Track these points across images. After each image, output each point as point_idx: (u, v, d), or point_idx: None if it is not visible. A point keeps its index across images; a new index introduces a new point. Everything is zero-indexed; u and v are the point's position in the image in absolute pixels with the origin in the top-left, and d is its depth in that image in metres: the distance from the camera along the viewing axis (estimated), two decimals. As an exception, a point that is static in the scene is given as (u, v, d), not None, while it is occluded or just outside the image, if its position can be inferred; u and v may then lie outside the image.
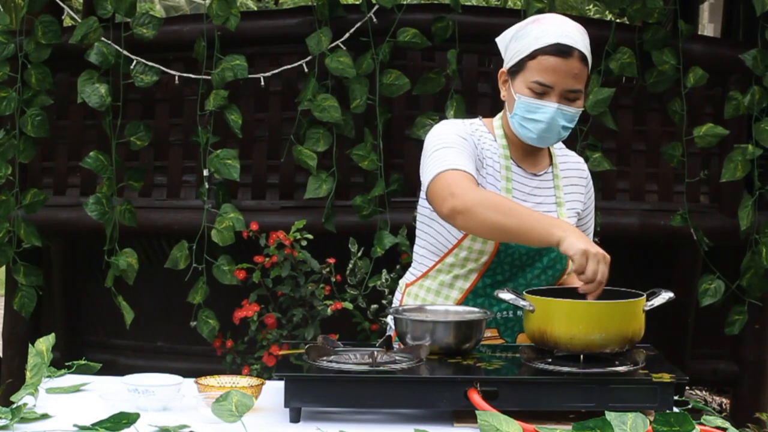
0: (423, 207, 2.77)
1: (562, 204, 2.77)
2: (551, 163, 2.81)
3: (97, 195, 4.65)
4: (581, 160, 2.92)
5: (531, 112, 2.65)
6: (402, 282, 2.87)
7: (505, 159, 2.73)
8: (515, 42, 2.68)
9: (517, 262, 2.69)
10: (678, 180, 4.96)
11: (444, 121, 2.79)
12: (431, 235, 2.76)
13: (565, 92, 2.63)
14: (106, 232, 4.65)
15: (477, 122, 2.80)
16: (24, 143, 4.76)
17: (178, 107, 5.01)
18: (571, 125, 2.68)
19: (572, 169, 2.85)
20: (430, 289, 2.76)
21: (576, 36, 2.64)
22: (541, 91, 2.63)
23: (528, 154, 2.77)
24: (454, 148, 2.65)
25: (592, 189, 2.92)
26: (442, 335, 2.46)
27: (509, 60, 2.70)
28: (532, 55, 2.63)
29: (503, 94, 2.74)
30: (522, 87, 2.66)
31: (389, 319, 2.82)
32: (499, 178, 2.71)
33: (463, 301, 2.72)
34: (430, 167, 2.63)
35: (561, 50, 2.62)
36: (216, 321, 4.73)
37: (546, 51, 2.62)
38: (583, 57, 2.64)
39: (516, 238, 2.55)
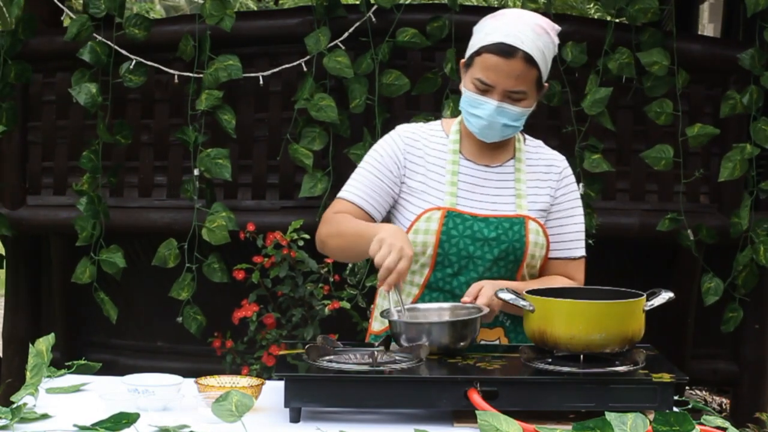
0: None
1: (522, 196, 2.74)
2: (514, 157, 2.79)
3: (89, 194, 4.64)
4: (560, 158, 2.84)
5: (473, 107, 2.66)
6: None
7: (452, 153, 2.74)
8: (474, 35, 2.70)
9: (463, 252, 2.67)
10: (678, 180, 4.95)
11: (396, 128, 2.82)
12: None
13: (506, 92, 2.62)
14: (80, 230, 4.64)
15: (433, 124, 2.82)
16: None
17: (177, 107, 5.01)
18: (517, 124, 2.67)
19: (543, 165, 2.80)
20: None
21: (525, 36, 2.60)
22: (484, 89, 2.63)
23: (484, 147, 2.75)
24: (363, 170, 2.76)
25: (571, 186, 2.81)
26: (437, 336, 2.45)
27: (467, 52, 2.71)
28: (478, 52, 2.64)
29: (460, 85, 2.75)
30: (468, 82, 2.67)
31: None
32: (444, 172, 2.72)
33: (420, 296, 2.71)
34: None
35: (503, 50, 2.60)
36: (203, 317, 4.72)
37: (489, 49, 2.62)
38: (528, 58, 2.60)
39: (358, 252, 2.64)
